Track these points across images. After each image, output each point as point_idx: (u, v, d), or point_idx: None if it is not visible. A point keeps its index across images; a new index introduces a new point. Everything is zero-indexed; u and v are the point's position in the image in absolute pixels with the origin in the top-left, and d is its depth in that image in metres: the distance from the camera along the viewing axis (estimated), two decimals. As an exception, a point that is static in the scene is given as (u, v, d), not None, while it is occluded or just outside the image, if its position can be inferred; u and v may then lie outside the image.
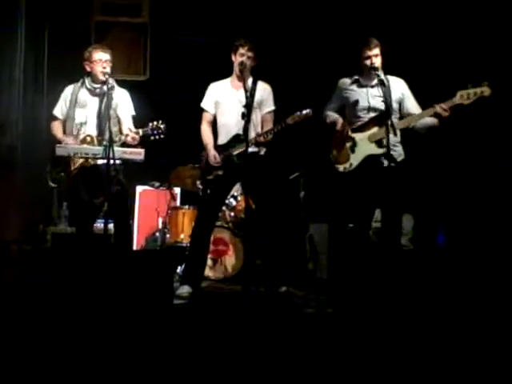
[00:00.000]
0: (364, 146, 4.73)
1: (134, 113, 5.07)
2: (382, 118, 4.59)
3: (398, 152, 4.74)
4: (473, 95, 4.41)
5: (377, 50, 4.73)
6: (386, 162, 4.53)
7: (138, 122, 5.00)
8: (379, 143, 4.65)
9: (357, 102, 4.81)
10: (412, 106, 4.78)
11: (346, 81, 4.93)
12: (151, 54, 6.86)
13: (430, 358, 3.29)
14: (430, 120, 4.64)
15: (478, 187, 5.89)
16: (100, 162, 4.73)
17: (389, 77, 4.78)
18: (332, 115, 4.93)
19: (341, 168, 4.81)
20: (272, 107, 5.01)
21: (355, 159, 4.76)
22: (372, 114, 4.76)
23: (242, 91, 4.74)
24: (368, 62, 4.71)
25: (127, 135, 4.82)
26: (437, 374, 3.07)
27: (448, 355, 3.35)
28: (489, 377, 3.03)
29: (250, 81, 4.91)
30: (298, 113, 4.78)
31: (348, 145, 4.78)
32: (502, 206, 5.71)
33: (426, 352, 3.37)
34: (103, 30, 6.62)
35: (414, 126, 4.72)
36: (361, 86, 4.85)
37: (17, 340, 3.33)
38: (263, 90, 4.99)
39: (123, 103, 5.02)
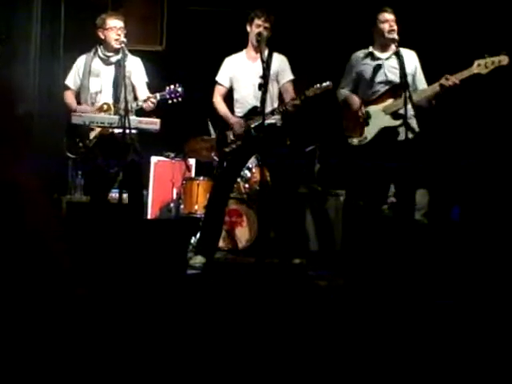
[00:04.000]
0: (379, 118, 4.68)
1: (147, 79, 5.04)
2: (397, 89, 4.54)
3: (414, 125, 4.68)
4: (490, 64, 4.33)
5: (393, 15, 4.65)
6: (402, 135, 4.49)
7: (154, 92, 4.98)
8: (395, 115, 4.61)
9: (373, 76, 4.75)
10: (420, 80, 4.72)
11: (359, 55, 4.85)
12: (168, 24, 6.83)
13: (443, 331, 3.29)
14: (429, 91, 4.59)
15: (494, 162, 5.83)
16: (116, 130, 4.73)
17: (401, 49, 4.65)
18: (343, 93, 4.88)
19: (355, 141, 4.77)
20: (291, 76, 4.97)
21: (370, 132, 4.72)
22: (387, 87, 4.70)
23: (258, 63, 4.71)
24: (386, 26, 4.62)
25: (145, 100, 4.81)
26: (448, 348, 3.07)
27: (459, 327, 3.35)
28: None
29: (265, 52, 4.87)
30: (318, 85, 4.73)
31: (362, 118, 4.74)
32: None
33: (438, 325, 3.37)
34: (120, -1, 6.59)
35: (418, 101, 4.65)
36: (375, 58, 4.77)
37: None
38: (280, 61, 4.95)
39: (136, 71, 5.00)
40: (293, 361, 2.84)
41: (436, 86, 4.52)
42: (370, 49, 4.80)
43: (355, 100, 4.79)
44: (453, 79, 4.40)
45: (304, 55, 6.34)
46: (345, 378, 2.69)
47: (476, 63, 4.38)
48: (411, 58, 4.72)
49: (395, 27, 4.63)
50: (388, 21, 4.64)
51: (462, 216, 5.84)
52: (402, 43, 4.64)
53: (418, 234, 4.95)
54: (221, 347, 2.97)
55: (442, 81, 4.45)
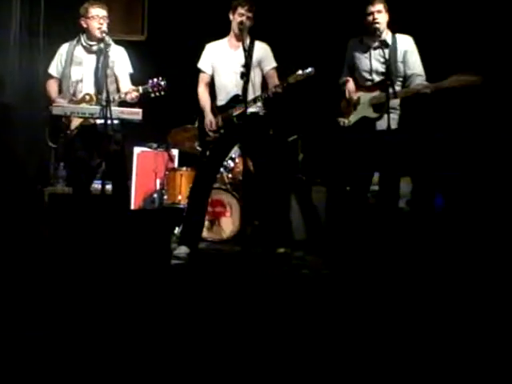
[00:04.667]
0: (364, 107, 4.73)
1: (131, 70, 5.01)
2: (385, 84, 4.55)
3: (392, 118, 4.68)
4: (463, 81, 4.30)
5: (380, 6, 4.65)
6: (379, 126, 4.54)
7: (137, 82, 4.95)
8: (376, 108, 4.63)
9: (361, 64, 4.80)
10: (413, 63, 4.67)
11: (353, 42, 4.90)
12: (149, 13, 6.78)
13: (427, 322, 3.31)
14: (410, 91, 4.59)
15: (476, 150, 5.86)
16: (98, 121, 4.69)
17: (397, 35, 4.70)
18: (342, 78, 4.93)
19: (341, 122, 4.83)
20: (274, 64, 4.95)
21: (354, 117, 4.78)
22: (375, 76, 4.73)
23: (239, 51, 4.69)
24: (370, 19, 4.65)
25: (127, 93, 4.78)
26: (433, 338, 3.09)
27: (443, 318, 3.36)
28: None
29: (247, 41, 4.84)
30: (300, 71, 4.70)
31: (354, 101, 4.79)
32: (501, 171, 5.69)
33: (423, 316, 3.38)
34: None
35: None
36: (364, 47, 4.80)
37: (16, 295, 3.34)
38: (261, 49, 4.93)
39: (120, 61, 4.96)
40: (278, 351, 2.84)
41: (414, 89, 4.52)
42: (362, 37, 4.82)
43: (349, 84, 4.83)
44: (428, 90, 4.43)
45: (287, 43, 6.32)
46: (331, 370, 2.70)
47: (449, 79, 4.34)
48: (404, 43, 4.71)
49: (379, 19, 4.64)
50: (372, 13, 4.65)
51: (445, 204, 5.87)
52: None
53: (402, 222, 4.97)
54: (207, 338, 2.96)
55: (423, 89, 4.46)
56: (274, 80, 4.89)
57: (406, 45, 4.71)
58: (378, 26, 4.63)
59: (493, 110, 5.76)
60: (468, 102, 5.78)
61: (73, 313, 3.17)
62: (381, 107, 4.57)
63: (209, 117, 4.93)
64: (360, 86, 4.82)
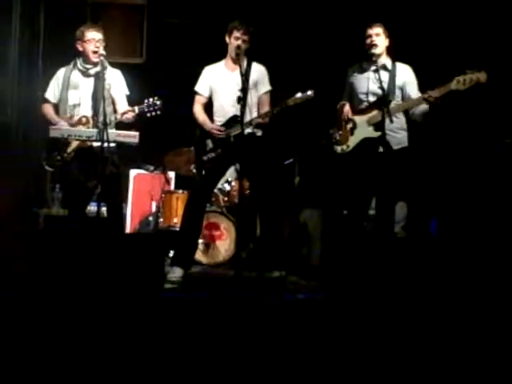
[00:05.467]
0: (362, 128, 4.75)
1: (127, 92, 5.03)
2: (382, 101, 4.58)
3: (398, 139, 4.73)
4: (469, 81, 4.40)
5: (378, 30, 4.74)
6: (381, 148, 4.54)
7: (135, 104, 4.96)
8: (377, 126, 4.64)
9: (358, 86, 4.86)
10: (412, 92, 4.76)
11: (353, 67, 4.97)
12: (148, 36, 6.82)
13: (422, 344, 3.30)
14: (424, 107, 4.64)
15: (471, 175, 5.88)
16: (95, 144, 4.70)
17: (397, 63, 4.79)
18: (340, 103, 4.97)
19: (339, 149, 4.86)
20: (268, 87, 4.98)
21: (352, 141, 4.80)
22: (371, 98, 4.77)
23: (237, 73, 4.72)
24: (368, 41, 4.73)
25: (123, 114, 4.80)
26: (427, 360, 3.08)
27: (439, 341, 3.35)
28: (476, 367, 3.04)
29: (244, 63, 4.87)
30: (300, 94, 4.73)
31: (349, 127, 4.83)
32: (495, 195, 5.70)
33: (417, 338, 3.37)
34: (99, 10, 6.57)
35: (412, 114, 4.73)
36: (363, 70, 4.87)
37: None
38: (258, 72, 4.96)
39: (116, 83, 4.98)
40: (272, 374, 2.83)
41: (414, 101, 4.58)
42: (362, 62, 4.88)
43: (344, 108, 4.88)
44: (433, 95, 4.46)
45: (285, 65, 6.36)
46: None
47: (456, 80, 4.43)
48: (403, 72, 4.80)
49: (376, 42, 4.72)
50: (370, 36, 4.74)
51: (440, 229, 5.87)
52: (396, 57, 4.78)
53: (397, 246, 4.96)
54: (198, 362, 2.95)
55: (425, 95, 4.50)
56: (264, 106, 4.93)
57: (406, 75, 4.80)
58: (375, 48, 4.69)
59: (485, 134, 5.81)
60: (461, 126, 5.83)
61: (66, 334, 3.16)
62: (382, 125, 4.59)
63: (211, 125, 4.92)
64: (356, 110, 4.84)
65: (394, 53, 4.84)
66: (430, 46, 6.18)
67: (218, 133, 4.88)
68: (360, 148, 4.75)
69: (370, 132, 4.70)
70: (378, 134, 4.59)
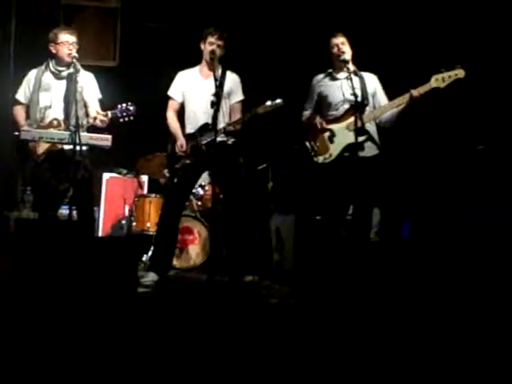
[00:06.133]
0: (343, 135, 4.74)
1: (100, 96, 4.99)
2: (358, 106, 4.61)
3: (371, 145, 4.76)
4: (447, 78, 4.49)
5: (342, 39, 4.80)
6: (367, 150, 4.64)
7: (108, 108, 4.92)
8: (358, 131, 4.65)
9: (332, 95, 4.85)
10: (382, 99, 4.84)
11: (319, 76, 4.97)
12: (121, 39, 6.79)
13: (394, 348, 3.31)
14: (391, 113, 4.70)
15: (443, 179, 5.94)
16: (66, 147, 4.66)
17: (362, 73, 4.83)
18: (306, 114, 4.97)
19: (320, 159, 4.83)
20: (240, 97, 5.00)
21: (335, 149, 4.78)
22: (347, 106, 4.77)
23: (210, 80, 4.72)
24: (335, 51, 4.78)
25: (95, 118, 4.76)
26: (398, 361, 3.09)
27: (416, 344, 3.37)
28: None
29: (219, 70, 4.87)
30: (269, 102, 4.77)
31: (326, 135, 4.81)
32: (468, 198, 5.76)
33: (390, 343, 3.38)
34: (72, 13, 6.53)
35: (380, 121, 4.77)
36: (334, 79, 4.89)
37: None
38: (232, 80, 4.96)
39: (89, 86, 4.94)
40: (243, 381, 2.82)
41: (407, 96, 4.61)
42: (330, 70, 4.91)
43: (317, 119, 4.85)
44: (414, 94, 4.52)
45: (258, 73, 6.37)
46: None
47: (434, 78, 4.52)
48: (371, 80, 4.87)
49: (344, 49, 4.77)
50: (336, 45, 4.79)
51: (412, 233, 5.92)
52: (360, 66, 4.82)
53: (371, 251, 4.98)
54: (171, 362, 2.94)
55: (413, 92, 4.55)
56: (236, 115, 4.94)
57: (374, 82, 4.88)
58: (345, 56, 4.73)
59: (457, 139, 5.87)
60: (433, 130, 5.88)
61: (38, 339, 3.12)
62: (363, 130, 4.62)
63: (180, 140, 4.91)
64: (329, 120, 4.85)
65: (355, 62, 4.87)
66: (390, 53, 6.22)
67: (181, 150, 4.86)
68: (343, 155, 4.76)
69: (352, 138, 4.68)
70: (363, 138, 4.64)
